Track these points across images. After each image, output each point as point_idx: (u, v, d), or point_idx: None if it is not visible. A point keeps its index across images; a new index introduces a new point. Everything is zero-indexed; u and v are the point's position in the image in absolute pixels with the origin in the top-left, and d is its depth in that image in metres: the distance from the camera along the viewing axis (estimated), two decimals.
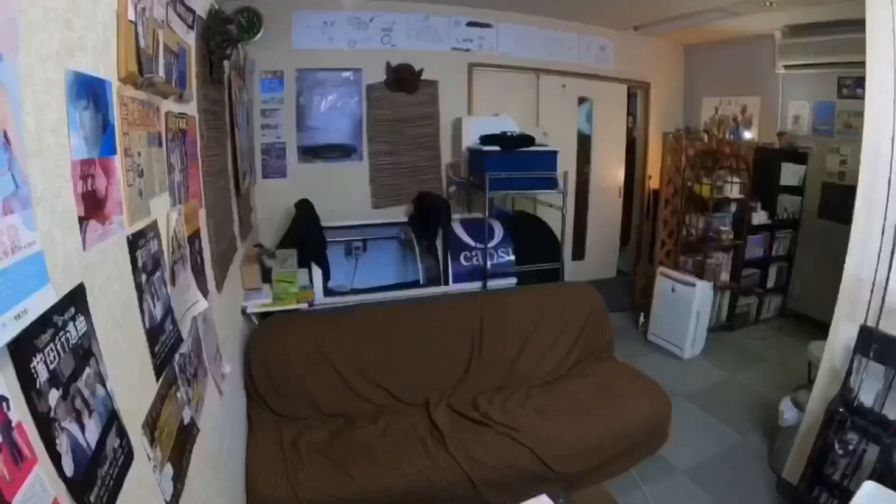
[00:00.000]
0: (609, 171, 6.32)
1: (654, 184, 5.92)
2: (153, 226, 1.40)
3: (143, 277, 1.28)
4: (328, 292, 3.76)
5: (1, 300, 0.73)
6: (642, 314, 5.15)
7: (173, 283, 1.53)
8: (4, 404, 0.73)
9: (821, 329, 3.35)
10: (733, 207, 5.11)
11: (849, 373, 2.46)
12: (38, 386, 0.80)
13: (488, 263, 4.23)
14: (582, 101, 6.04)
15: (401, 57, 4.88)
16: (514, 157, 4.26)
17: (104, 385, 1.02)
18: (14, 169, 0.77)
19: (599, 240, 6.39)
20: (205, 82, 2.28)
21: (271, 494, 2.30)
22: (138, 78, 1.28)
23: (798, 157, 5.22)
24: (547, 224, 4.87)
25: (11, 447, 0.73)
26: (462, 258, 4.26)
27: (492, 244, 4.33)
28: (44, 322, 0.82)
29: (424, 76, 4.97)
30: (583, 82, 5.83)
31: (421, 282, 4.36)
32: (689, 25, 5.31)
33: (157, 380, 1.34)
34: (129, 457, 1.10)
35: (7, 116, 0.76)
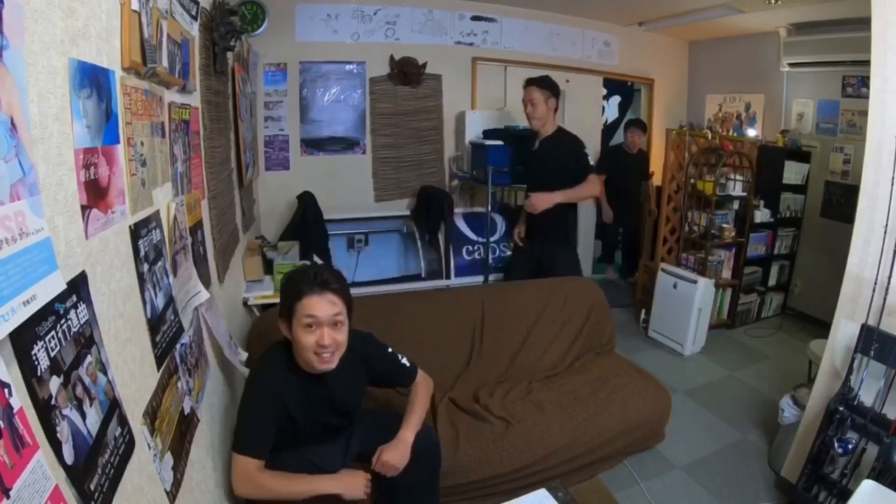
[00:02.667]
0: None
1: (656, 180, 5.91)
2: (155, 216, 1.40)
3: (146, 267, 1.29)
4: None
5: (10, 286, 0.73)
6: (644, 310, 5.15)
7: (174, 273, 1.53)
8: (6, 390, 0.73)
9: (822, 327, 3.35)
10: (736, 205, 5.09)
11: (849, 372, 2.46)
12: (38, 373, 0.81)
13: (490, 257, 4.23)
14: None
15: (404, 50, 4.87)
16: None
17: (105, 373, 1.03)
18: (21, 155, 0.77)
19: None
20: (208, 73, 2.28)
21: None
22: (142, 67, 1.28)
23: (801, 155, 5.20)
24: None
25: (13, 433, 0.73)
26: (464, 252, 4.27)
27: (494, 238, 4.33)
28: (45, 309, 0.83)
29: (428, 70, 4.96)
30: (588, 77, 5.82)
31: (422, 275, 4.37)
32: (693, 22, 5.29)
33: (158, 369, 1.34)
34: (129, 445, 1.10)
35: (14, 103, 0.76)
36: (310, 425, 1.99)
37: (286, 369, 1.92)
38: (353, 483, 1.86)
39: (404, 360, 2.22)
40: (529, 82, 3.63)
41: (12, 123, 0.75)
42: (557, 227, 3.72)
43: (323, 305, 1.80)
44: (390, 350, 2.20)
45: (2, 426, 0.71)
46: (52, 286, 0.84)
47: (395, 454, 1.96)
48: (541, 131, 3.68)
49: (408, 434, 2.02)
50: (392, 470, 1.95)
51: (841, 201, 4.97)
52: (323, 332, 1.80)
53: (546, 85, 3.60)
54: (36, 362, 0.80)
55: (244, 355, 2.18)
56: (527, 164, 3.88)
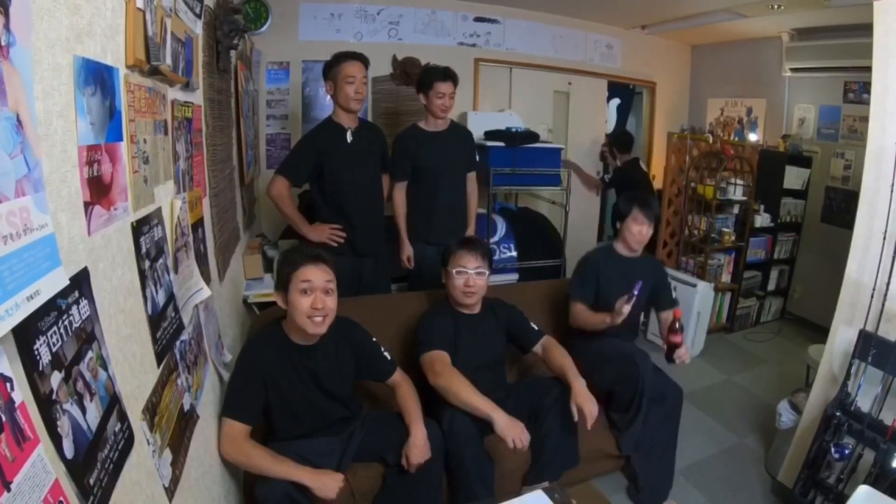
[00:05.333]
0: None
1: (657, 183, 5.92)
2: (157, 213, 1.41)
3: (147, 264, 1.30)
4: None
5: (14, 281, 0.73)
6: (642, 313, 5.14)
7: (176, 270, 1.53)
8: (8, 385, 0.74)
9: (820, 333, 3.35)
10: (736, 209, 5.11)
11: (847, 377, 2.46)
12: (40, 368, 0.82)
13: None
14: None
15: (407, 51, 4.87)
16: (518, 153, 4.26)
17: (106, 369, 1.03)
18: (26, 152, 0.78)
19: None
20: (211, 71, 2.29)
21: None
22: (146, 65, 1.29)
23: (802, 160, 5.20)
24: (549, 220, 4.88)
25: (14, 427, 0.74)
26: None
27: (494, 239, 4.33)
28: (47, 305, 0.83)
29: None
30: (590, 80, 5.83)
31: None
32: (696, 25, 5.30)
33: (158, 366, 1.35)
34: (129, 441, 1.11)
35: (20, 100, 0.77)
36: (301, 405, 2.15)
37: (274, 340, 2.14)
38: (326, 482, 1.94)
39: (386, 353, 2.42)
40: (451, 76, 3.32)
41: (18, 120, 0.76)
42: None
43: (317, 273, 2.04)
44: (374, 339, 2.41)
45: (3, 420, 0.71)
46: (55, 282, 0.84)
47: (418, 452, 2.14)
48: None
49: (420, 430, 2.19)
50: (420, 463, 2.15)
51: (841, 207, 4.97)
52: (316, 296, 2.01)
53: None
54: (38, 357, 0.81)
55: (228, 357, 2.20)
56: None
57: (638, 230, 2.88)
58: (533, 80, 5.53)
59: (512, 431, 2.18)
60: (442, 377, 2.35)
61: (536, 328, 2.75)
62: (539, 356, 2.71)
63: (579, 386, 2.39)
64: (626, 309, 2.56)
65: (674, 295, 3.00)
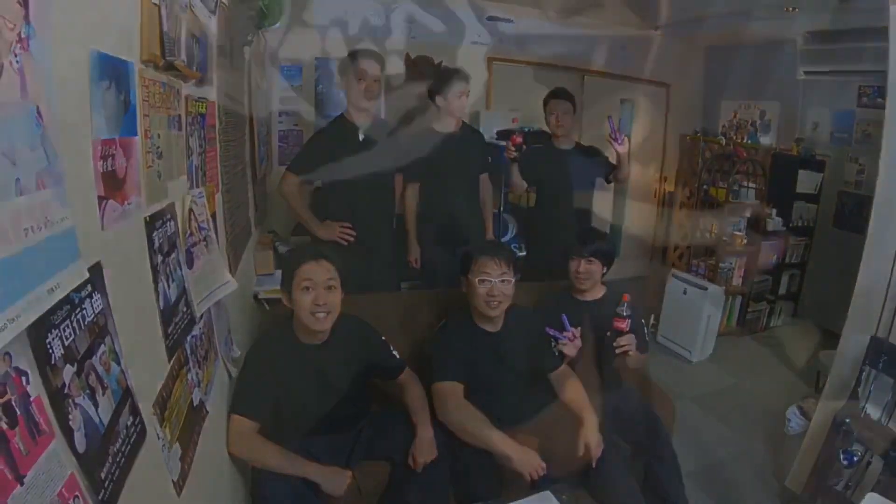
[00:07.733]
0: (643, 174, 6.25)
1: (669, 186, 5.90)
2: (170, 208, 1.41)
3: (159, 259, 1.30)
4: None
5: (35, 274, 0.74)
6: (652, 315, 5.13)
7: (189, 265, 1.54)
8: (23, 378, 0.74)
9: (831, 338, 3.33)
10: (748, 213, 5.08)
11: (857, 384, 2.45)
12: (52, 361, 0.82)
13: None
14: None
15: (420, 49, 4.87)
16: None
17: (118, 363, 1.04)
18: (46, 144, 0.78)
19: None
20: (225, 67, 2.29)
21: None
22: (160, 60, 1.29)
23: (815, 164, 5.17)
24: None
25: (28, 421, 0.74)
26: None
27: (504, 238, 4.32)
28: (61, 299, 0.83)
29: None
30: (602, 81, 5.81)
31: None
32: (710, 28, 5.27)
33: (169, 361, 1.35)
34: (141, 435, 1.12)
35: (41, 92, 0.77)
36: (310, 403, 2.15)
37: (282, 339, 2.15)
38: (334, 479, 1.96)
39: (394, 352, 2.41)
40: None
41: (38, 112, 0.76)
42: None
43: (319, 270, 2.04)
44: (383, 338, 2.40)
45: (18, 413, 0.72)
46: (74, 275, 0.85)
47: (425, 451, 2.15)
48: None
49: (427, 430, 2.20)
50: (427, 462, 2.14)
51: (854, 212, 4.94)
52: (319, 292, 2.02)
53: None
54: (50, 350, 0.81)
55: (237, 352, 2.21)
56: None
57: (574, 267, 2.70)
58: (545, 79, 5.51)
59: (528, 466, 2.11)
60: (454, 415, 2.23)
61: (557, 353, 2.52)
62: (552, 382, 2.53)
63: (591, 423, 2.28)
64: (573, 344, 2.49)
65: (647, 337, 2.73)
